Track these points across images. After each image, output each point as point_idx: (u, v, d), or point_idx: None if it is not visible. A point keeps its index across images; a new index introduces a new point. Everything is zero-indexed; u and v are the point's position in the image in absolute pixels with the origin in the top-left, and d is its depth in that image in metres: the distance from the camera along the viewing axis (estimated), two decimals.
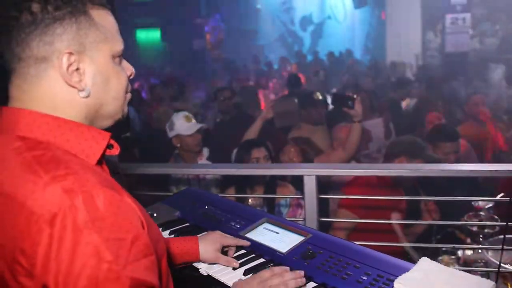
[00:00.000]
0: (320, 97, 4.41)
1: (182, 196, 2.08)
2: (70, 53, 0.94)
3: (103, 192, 0.86)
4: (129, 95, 1.09)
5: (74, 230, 0.81)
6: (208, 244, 1.51)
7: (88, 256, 0.81)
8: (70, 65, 0.95)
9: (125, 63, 1.08)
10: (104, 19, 1.01)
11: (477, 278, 1.28)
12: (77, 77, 0.96)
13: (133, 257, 0.85)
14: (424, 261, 1.36)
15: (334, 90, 6.80)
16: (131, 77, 1.10)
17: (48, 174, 0.87)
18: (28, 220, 0.83)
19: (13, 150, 0.92)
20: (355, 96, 2.91)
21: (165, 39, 12.75)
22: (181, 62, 10.30)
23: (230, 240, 1.57)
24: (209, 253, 1.50)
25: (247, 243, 1.60)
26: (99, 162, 1.01)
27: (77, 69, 0.96)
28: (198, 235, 1.58)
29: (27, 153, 0.91)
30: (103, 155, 1.02)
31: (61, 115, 0.97)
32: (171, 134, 3.44)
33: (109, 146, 1.03)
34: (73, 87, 0.96)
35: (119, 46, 1.03)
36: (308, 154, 3.50)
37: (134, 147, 4.01)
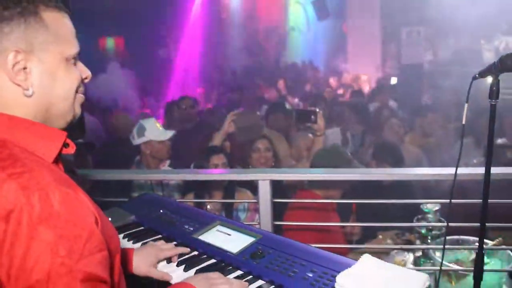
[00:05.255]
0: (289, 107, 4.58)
1: (138, 201, 2.10)
2: (17, 52, 0.96)
3: (58, 190, 0.89)
4: (81, 97, 1.10)
5: (28, 226, 0.84)
6: (142, 259, 1.49)
7: (41, 252, 0.83)
8: (16, 63, 0.97)
9: (81, 65, 1.10)
10: (58, 22, 1.03)
11: (413, 272, 1.37)
12: (23, 76, 0.98)
13: (87, 252, 0.88)
14: (366, 258, 1.43)
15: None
16: (87, 80, 1.12)
17: (4, 171, 0.89)
18: None
19: None
20: (317, 110, 2.99)
21: (128, 48, 12.63)
22: (145, 70, 10.23)
23: (167, 252, 1.56)
24: (141, 268, 1.48)
25: (186, 250, 1.61)
26: (56, 161, 1.03)
27: (24, 68, 0.98)
28: (135, 248, 1.58)
29: None
30: (59, 154, 1.04)
31: (11, 114, 0.98)
32: (140, 140, 3.36)
33: (65, 145, 1.06)
34: (18, 85, 0.98)
35: (72, 49, 1.05)
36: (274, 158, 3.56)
37: (91, 154, 3.95)
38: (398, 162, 3.29)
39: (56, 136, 1.03)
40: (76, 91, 1.08)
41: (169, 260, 1.58)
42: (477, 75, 1.68)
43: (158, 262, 1.54)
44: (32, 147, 0.98)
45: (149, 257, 1.51)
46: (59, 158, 1.06)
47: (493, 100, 1.58)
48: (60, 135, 1.04)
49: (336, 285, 1.32)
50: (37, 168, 0.92)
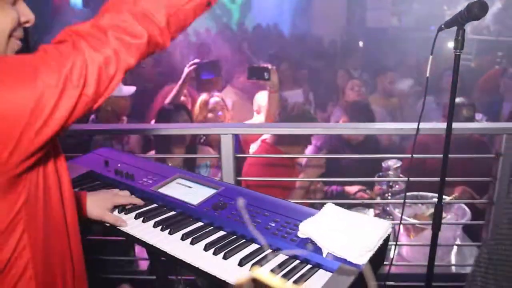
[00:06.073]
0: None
1: (94, 155, 2.00)
2: None
3: None
4: (16, 43, 0.97)
5: None
6: (96, 202, 1.45)
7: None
8: None
9: (22, 7, 0.98)
10: None
11: (376, 219, 1.36)
12: None
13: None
14: (329, 206, 1.42)
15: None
16: (28, 24, 1.00)
17: None
18: None
19: None
20: (270, 66, 2.92)
21: (87, 5, 12.03)
22: None
23: (122, 199, 1.53)
24: (95, 210, 1.44)
25: (141, 202, 1.57)
26: None
27: None
28: (89, 192, 1.51)
29: None
30: None
31: None
32: None
33: None
34: None
35: None
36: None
37: None
38: (369, 122, 3.30)
39: None
40: (10, 35, 0.95)
41: (125, 210, 1.53)
42: (442, 26, 1.66)
43: (113, 207, 1.49)
44: None
45: (104, 201, 1.46)
46: None
47: (458, 50, 1.57)
48: None
49: (299, 233, 1.30)
50: None
